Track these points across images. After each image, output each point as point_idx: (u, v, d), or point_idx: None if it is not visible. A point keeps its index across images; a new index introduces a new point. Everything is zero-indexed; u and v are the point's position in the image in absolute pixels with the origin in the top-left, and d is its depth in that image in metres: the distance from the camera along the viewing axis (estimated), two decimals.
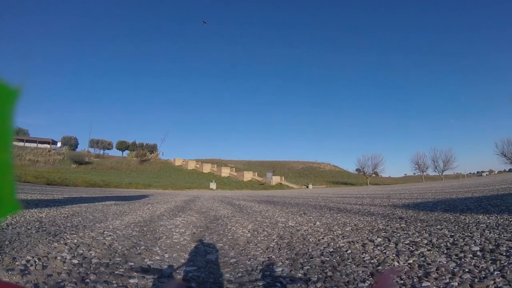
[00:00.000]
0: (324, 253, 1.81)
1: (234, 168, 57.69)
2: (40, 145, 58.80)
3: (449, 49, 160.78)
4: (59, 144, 61.67)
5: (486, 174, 69.63)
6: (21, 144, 55.82)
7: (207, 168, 55.93)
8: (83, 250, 1.85)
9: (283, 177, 50.89)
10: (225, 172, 52.58)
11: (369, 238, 2.14)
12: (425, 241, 1.90)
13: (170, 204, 6.89)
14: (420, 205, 4.47)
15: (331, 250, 1.88)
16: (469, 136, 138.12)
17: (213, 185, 36.11)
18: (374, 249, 1.82)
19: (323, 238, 2.26)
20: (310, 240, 2.24)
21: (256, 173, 52.55)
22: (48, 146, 59.77)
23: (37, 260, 1.56)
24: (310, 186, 43.39)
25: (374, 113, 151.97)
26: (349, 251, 1.81)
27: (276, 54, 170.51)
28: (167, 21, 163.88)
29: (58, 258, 1.64)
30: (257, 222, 3.41)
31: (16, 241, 2.00)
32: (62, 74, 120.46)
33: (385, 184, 51.23)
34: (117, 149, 67.51)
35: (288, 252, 1.92)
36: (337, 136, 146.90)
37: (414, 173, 65.54)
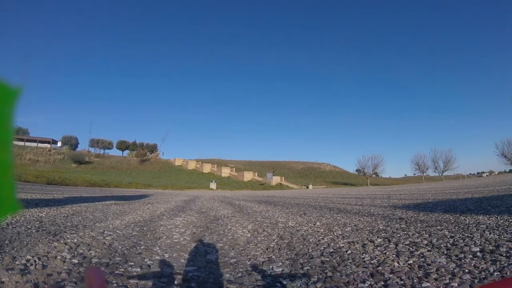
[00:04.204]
0: (324, 254, 1.81)
1: (234, 168, 57.67)
2: (40, 145, 58.83)
3: (449, 49, 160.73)
4: (59, 144, 61.69)
5: (486, 175, 69.58)
6: (21, 143, 55.85)
7: (207, 168, 55.93)
8: (83, 250, 1.85)
9: (283, 178, 50.86)
10: (225, 172, 52.57)
11: (369, 239, 2.14)
12: (425, 242, 1.90)
13: (170, 204, 6.89)
14: (420, 206, 4.47)
15: (331, 250, 1.88)
16: (469, 137, 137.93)
17: (213, 185, 36.09)
18: (374, 249, 1.82)
19: (323, 239, 2.26)
20: (310, 240, 2.23)
21: (256, 173, 52.51)
22: (49, 145, 59.80)
23: (37, 260, 1.56)
24: (310, 187, 43.36)
25: (374, 113, 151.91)
26: (349, 252, 1.81)
27: (276, 54, 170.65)
28: (167, 21, 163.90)
29: (58, 257, 1.64)
30: (257, 222, 3.41)
31: (16, 240, 2.00)
32: (62, 74, 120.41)
33: (385, 184, 51.20)
34: (117, 148, 67.53)
35: (288, 252, 1.92)
36: (337, 136, 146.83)
37: (414, 174, 65.54)
